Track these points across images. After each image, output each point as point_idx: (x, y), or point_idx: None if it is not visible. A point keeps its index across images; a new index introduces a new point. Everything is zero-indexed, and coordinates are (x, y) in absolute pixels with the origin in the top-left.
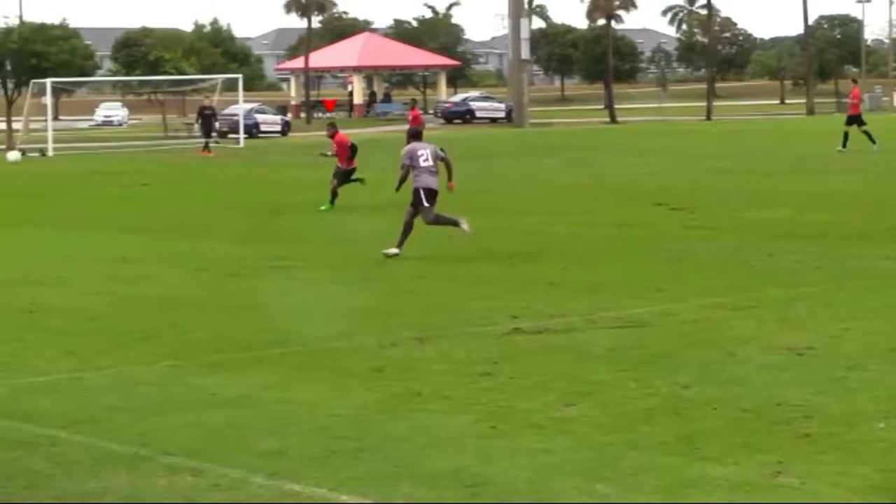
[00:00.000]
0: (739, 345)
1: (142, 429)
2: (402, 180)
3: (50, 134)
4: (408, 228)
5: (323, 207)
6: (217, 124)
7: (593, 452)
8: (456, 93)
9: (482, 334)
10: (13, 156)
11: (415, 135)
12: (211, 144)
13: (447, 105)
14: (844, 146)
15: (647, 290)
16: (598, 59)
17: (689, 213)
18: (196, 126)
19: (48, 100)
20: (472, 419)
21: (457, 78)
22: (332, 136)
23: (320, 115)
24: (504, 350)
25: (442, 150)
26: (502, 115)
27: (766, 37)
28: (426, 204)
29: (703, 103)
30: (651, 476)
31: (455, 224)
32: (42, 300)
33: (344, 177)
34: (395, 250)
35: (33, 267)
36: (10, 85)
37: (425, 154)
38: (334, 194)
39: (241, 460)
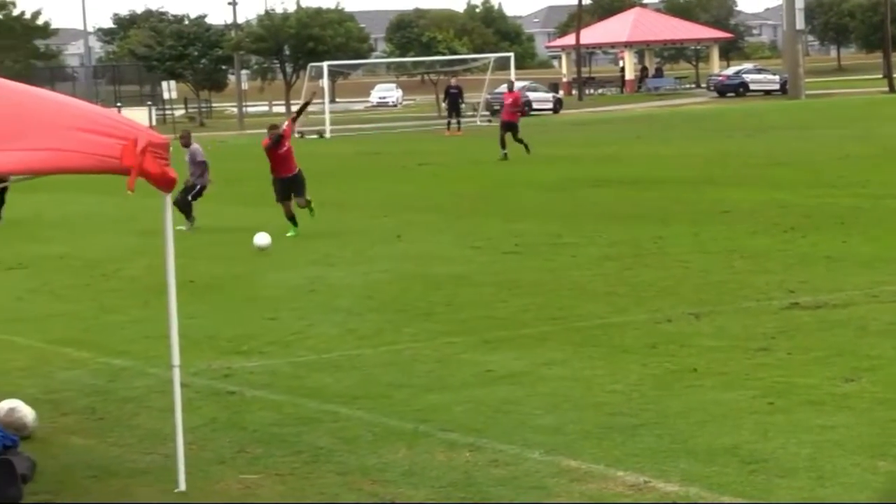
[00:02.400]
0: None
1: (420, 405)
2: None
3: (327, 116)
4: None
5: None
6: (463, 104)
7: (876, 429)
8: (729, 66)
9: (758, 309)
10: (262, 240)
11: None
12: (452, 124)
13: (720, 78)
14: None
15: None
16: (876, 27)
17: None
18: (444, 105)
19: (325, 83)
20: (749, 395)
21: (729, 51)
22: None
23: (591, 91)
24: (781, 325)
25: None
26: (776, 87)
27: None
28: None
29: None
30: None
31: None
32: (323, 279)
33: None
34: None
35: (313, 247)
36: (288, 69)
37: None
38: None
39: (517, 436)
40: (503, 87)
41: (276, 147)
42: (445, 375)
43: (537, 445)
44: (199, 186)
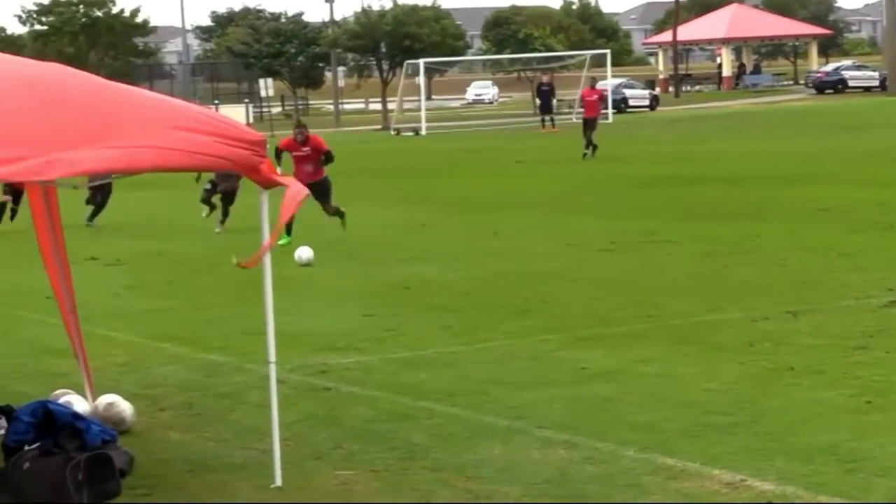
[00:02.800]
0: None
1: (515, 402)
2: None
3: (423, 113)
4: None
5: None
6: (555, 101)
7: None
8: (828, 62)
9: (857, 307)
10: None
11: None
12: (546, 122)
13: (819, 75)
14: None
15: None
16: None
17: None
18: (537, 103)
19: (421, 80)
20: (847, 394)
21: (828, 47)
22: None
23: (688, 88)
24: (880, 323)
25: None
26: (876, 83)
27: None
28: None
29: None
30: None
31: None
32: (418, 276)
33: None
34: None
35: (408, 243)
36: (384, 66)
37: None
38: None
39: (613, 434)
40: (601, 84)
41: (300, 147)
42: (541, 372)
43: (632, 443)
44: (224, 188)
